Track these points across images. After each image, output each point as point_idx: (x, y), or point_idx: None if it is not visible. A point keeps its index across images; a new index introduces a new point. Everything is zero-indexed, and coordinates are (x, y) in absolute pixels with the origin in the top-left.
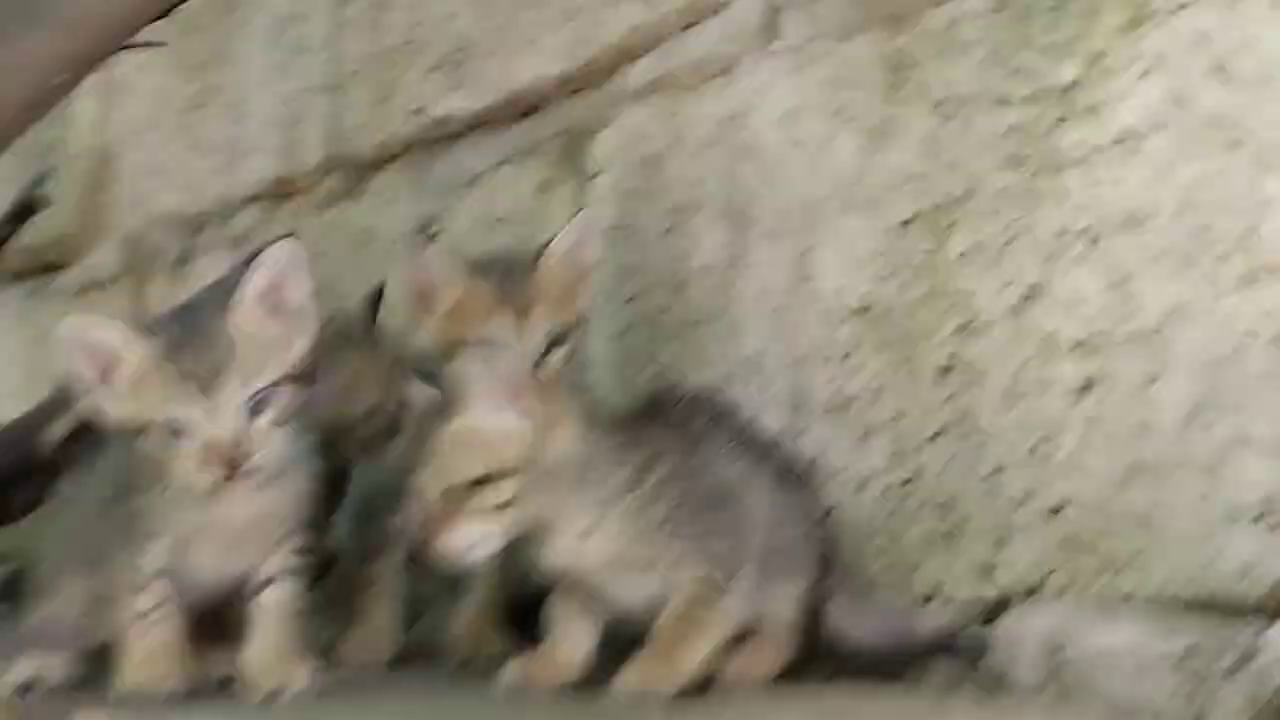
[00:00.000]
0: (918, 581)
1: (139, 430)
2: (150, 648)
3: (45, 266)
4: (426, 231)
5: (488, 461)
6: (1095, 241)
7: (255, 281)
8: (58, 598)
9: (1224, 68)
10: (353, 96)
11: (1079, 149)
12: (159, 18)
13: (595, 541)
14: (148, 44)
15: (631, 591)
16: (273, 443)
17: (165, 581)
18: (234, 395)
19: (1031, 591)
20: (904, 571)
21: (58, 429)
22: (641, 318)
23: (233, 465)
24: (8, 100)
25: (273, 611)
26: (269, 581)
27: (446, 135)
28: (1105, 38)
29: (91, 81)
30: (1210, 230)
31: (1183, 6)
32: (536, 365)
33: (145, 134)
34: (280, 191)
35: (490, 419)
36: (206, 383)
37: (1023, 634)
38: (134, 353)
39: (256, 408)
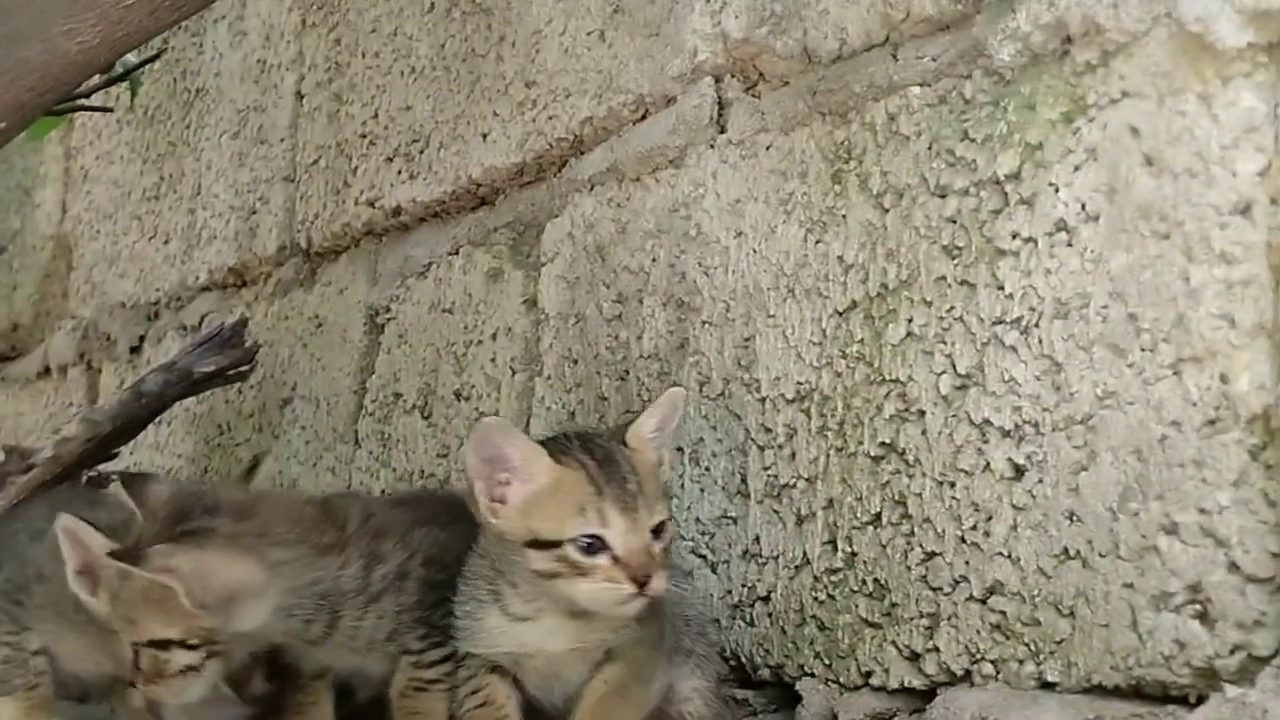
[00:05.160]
0: (850, 668)
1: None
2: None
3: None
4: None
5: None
6: (1028, 330)
7: (650, 419)
8: None
9: (1154, 160)
10: (309, 186)
11: (1014, 239)
12: (110, 80)
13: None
14: (96, 108)
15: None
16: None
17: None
18: (646, 521)
19: (960, 678)
20: (836, 658)
21: None
22: (585, 405)
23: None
24: None
25: None
26: None
27: (400, 225)
28: (1041, 130)
29: (54, 171)
30: (1139, 319)
31: (1114, 102)
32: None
33: (103, 223)
34: (234, 280)
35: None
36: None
37: None
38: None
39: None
